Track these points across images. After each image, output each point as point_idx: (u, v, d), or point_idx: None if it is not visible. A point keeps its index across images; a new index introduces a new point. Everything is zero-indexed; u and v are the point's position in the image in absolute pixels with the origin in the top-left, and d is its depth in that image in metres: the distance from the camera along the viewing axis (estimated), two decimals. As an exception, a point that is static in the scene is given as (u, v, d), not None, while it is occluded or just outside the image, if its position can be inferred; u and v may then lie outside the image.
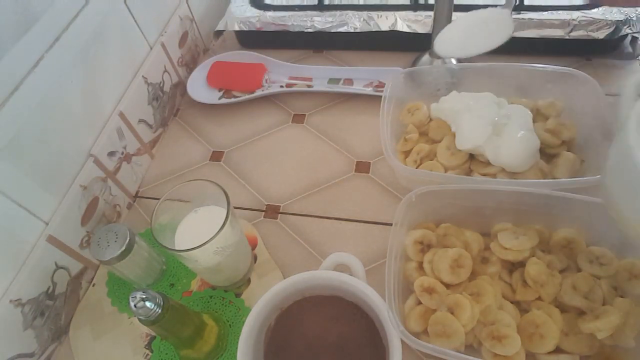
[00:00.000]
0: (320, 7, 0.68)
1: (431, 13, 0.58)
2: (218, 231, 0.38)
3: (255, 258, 0.51)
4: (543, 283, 0.40)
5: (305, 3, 0.69)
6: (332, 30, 0.67)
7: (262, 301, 0.40)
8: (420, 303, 0.42)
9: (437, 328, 0.39)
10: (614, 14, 0.58)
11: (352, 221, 0.53)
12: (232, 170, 0.60)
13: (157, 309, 0.33)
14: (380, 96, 0.52)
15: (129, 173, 0.58)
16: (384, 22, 0.65)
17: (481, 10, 0.53)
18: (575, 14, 0.59)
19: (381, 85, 0.64)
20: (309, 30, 0.68)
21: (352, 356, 0.40)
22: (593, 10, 0.59)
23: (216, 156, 0.62)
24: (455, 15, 0.57)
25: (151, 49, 0.63)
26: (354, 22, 0.66)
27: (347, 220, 0.54)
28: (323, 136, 0.62)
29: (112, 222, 0.55)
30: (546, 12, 0.60)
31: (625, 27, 0.58)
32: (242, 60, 0.70)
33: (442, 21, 0.57)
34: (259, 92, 0.66)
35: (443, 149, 0.51)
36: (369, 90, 0.64)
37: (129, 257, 0.45)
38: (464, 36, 0.53)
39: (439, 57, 0.63)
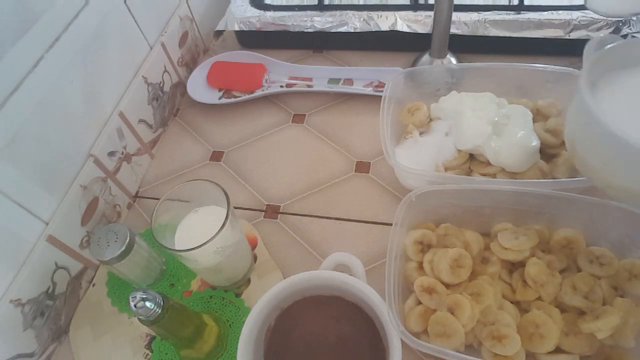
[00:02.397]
0: (320, 7, 0.68)
1: (431, 13, 0.58)
2: (218, 231, 0.38)
3: (255, 258, 0.51)
4: (543, 283, 0.40)
5: (305, 3, 0.69)
6: (332, 30, 0.67)
7: (262, 301, 0.40)
8: (420, 303, 0.42)
9: (437, 328, 0.39)
10: (614, 14, 0.58)
11: (352, 221, 0.53)
12: (232, 170, 0.60)
13: (157, 309, 0.33)
14: (380, 96, 0.52)
15: (129, 173, 0.58)
16: (384, 22, 0.65)
17: None
18: (575, 14, 0.59)
19: (381, 85, 0.64)
20: (309, 30, 0.68)
21: (352, 356, 0.40)
22: (593, 10, 0.59)
23: (216, 156, 0.62)
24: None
25: (151, 49, 0.63)
26: (354, 22, 0.66)
27: (347, 220, 0.54)
28: (323, 136, 0.62)
29: (112, 222, 0.55)
30: (546, 12, 0.60)
31: (625, 27, 0.58)
32: (242, 60, 0.70)
33: (442, 21, 0.57)
34: (259, 92, 0.66)
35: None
36: (369, 90, 0.64)
37: (129, 257, 0.45)
38: None
39: (439, 57, 0.63)
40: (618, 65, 0.29)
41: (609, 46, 0.30)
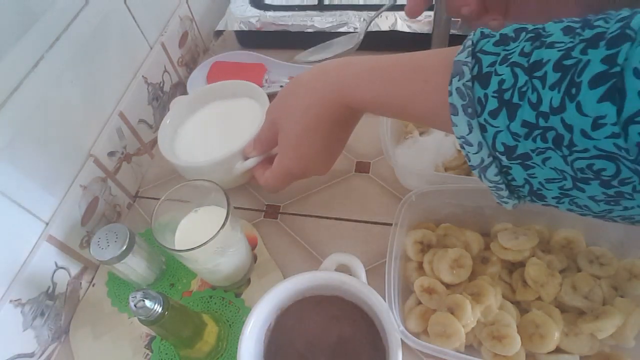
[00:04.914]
0: (320, 7, 0.68)
1: (431, 13, 0.58)
2: (218, 231, 0.38)
3: (255, 258, 0.51)
4: (543, 283, 0.40)
5: (305, 3, 0.69)
6: (332, 30, 0.67)
7: (262, 301, 0.40)
8: (420, 303, 0.42)
9: (437, 328, 0.39)
10: (614, 14, 0.58)
11: (352, 221, 0.53)
12: (232, 170, 0.60)
13: (157, 309, 0.33)
14: (380, 96, 0.52)
15: (129, 173, 0.58)
16: (384, 22, 0.65)
17: None
18: (575, 14, 0.59)
19: (381, 85, 0.64)
20: (309, 30, 0.68)
21: (352, 356, 0.40)
22: (593, 10, 0.59)
23: (216, 156, 0.62)
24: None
25: (151, 49, 0.62)
26: (354, 22, 0.66)
27: (347, 220, 0.54)
28: (323, 136, 0.62)
29: (112, 222, 0.55)
30: (546, 12, 0.60)
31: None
32: (242, 60, 0.70)
33: (442, 21, 0.57)
34: (259, 92, 0.66)
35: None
36: (369, 90, 0.64)
37: (129, 257, 0.45)
38: None
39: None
40: None
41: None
